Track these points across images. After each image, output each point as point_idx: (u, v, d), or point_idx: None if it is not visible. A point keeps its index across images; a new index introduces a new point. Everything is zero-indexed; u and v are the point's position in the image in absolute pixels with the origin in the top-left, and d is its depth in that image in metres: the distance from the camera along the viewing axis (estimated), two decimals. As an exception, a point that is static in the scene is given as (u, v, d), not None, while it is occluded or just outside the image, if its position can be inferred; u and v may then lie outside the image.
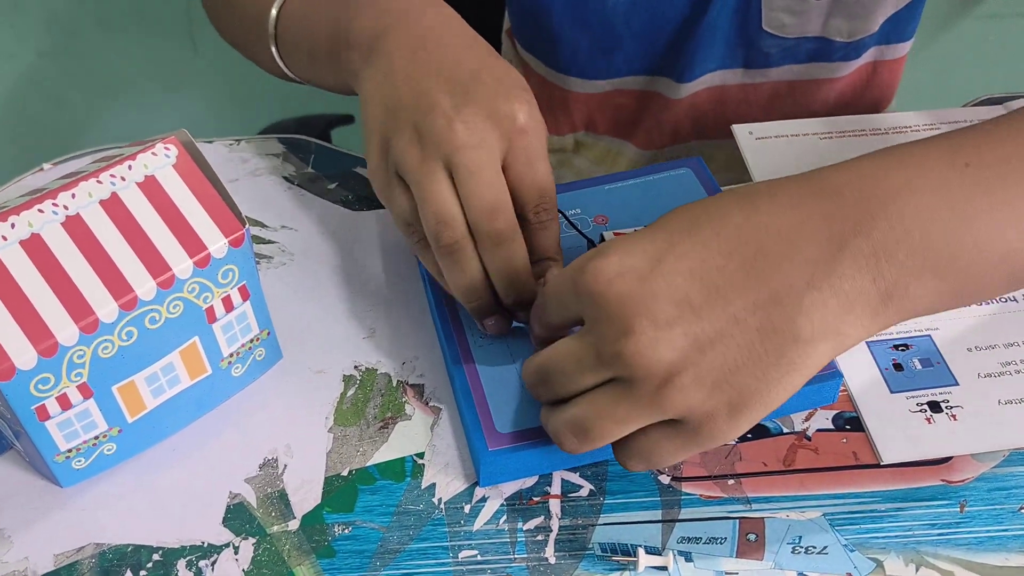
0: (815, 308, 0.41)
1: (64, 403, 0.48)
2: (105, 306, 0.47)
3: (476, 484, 0.52)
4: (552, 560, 0.49)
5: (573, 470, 0.53)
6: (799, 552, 0.49)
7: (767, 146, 0.70)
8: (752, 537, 0.50)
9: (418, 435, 0.55)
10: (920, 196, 0.42)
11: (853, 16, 0.75)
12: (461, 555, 0.50)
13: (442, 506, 0.52)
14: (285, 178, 0.70)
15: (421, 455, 0.54)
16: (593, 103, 0.83)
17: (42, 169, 0.69)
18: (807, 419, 0.54)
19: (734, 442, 0.53)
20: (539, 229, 0.53)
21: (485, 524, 0.51)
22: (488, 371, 0.54)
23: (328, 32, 0.59)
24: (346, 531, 0.51)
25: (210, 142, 0.71)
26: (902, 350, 0.57)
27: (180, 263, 0.49)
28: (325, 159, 0.71)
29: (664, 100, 0.81)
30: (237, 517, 0.51)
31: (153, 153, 0.50)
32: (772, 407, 0.42)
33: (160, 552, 0.50)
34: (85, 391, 0.48)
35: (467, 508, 0.51)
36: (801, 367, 0.41)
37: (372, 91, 0.54)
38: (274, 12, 0.63)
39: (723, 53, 0.78)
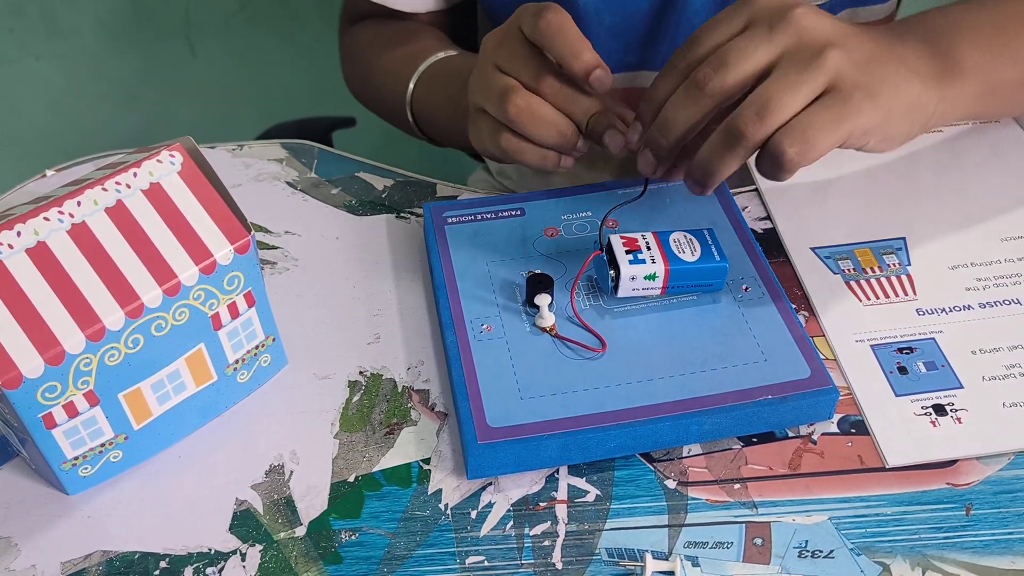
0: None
1: (71, 411, 0.48)
2: (111, 314, 0.47)
3: (483, 489, 0.52)
4: (559, 565, 0.49)
5: (579, 475, 0.53)
6: (806, 556, 0.49)
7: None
8: (759, 541, 0.50)
9: (424, 441, 0.54)
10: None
11: None
12: (468, 561, 0.50)
13: (448, 512, 0.52)
14: (288, 183, 0.70)
15: (427, 461, 0.54)
16: None
17: (45, 175, 0.68)
18: (812, 422, 0.54)
19: (739, 446, 0.54)
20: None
21: (492, 530, 0.51)
22: (485, 365, 0.54)
23: (451, 105, 0.71)
24: (353, 537, 0.51)
25: (213, 147, 0.71)
26: (906, 353, 0.57)
27: (186, 270, 0.49)
28: (328, 164, 0.71)
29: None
30: (244, 524, 0.51)
31: (158, 160, 0.50)
32: (892, 100, 0.55)
33: (167, 559, 0.50)
34: (91, 399, 0.48)
35: (473, 514, 0.51)
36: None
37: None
38: (409, 92, 0.78)
39: None
